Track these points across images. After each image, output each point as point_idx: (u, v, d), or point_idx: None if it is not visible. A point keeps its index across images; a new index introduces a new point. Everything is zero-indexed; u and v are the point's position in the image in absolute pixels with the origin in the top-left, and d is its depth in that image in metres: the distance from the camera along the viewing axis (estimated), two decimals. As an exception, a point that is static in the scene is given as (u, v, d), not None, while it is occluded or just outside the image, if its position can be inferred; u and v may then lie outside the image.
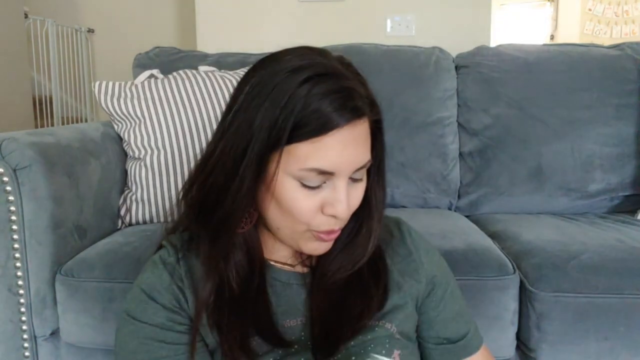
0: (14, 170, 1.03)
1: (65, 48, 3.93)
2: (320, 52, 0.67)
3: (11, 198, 1.02)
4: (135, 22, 4.08)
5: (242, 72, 1.45)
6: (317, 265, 0.70)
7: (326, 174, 0.60)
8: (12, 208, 1.03)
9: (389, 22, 2.25)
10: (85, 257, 1.10)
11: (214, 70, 1.48)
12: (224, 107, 1.42)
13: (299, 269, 0.71)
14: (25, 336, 1.09)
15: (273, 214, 0.64)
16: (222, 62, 1.64)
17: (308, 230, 0.64)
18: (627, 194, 1.50)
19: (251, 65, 0.67)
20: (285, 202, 0.61)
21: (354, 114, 0.59)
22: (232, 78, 1.43)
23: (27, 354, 1.11)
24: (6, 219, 1.03)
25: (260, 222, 0.68)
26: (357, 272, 0.69)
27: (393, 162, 1.51)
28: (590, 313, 1.03)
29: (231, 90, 1.36)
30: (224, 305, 0.64)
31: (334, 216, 0.62)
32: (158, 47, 1.74)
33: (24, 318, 1.07)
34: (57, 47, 3.84)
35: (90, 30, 4.22)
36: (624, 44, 1.65)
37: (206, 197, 0.64)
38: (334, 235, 0.66)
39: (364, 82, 0.64)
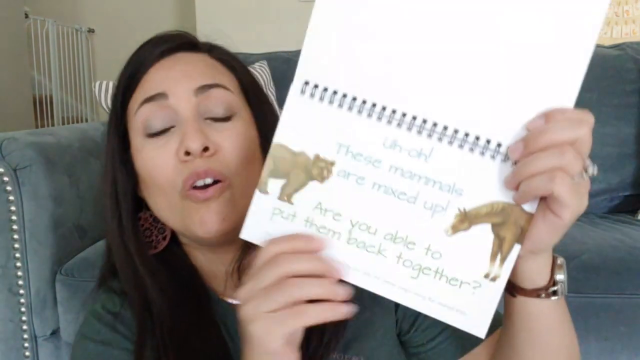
0: (14, 170, 1.03)
1: (65, 48, 3.93)
2: None
3: (11, 198, 1.02)
4: (135, 22, 4.08)
5: (242, 72, 1.46)
6: None
7: (157, 99, 0.53)
8: (13, 208, 1.03)
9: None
10: (85, 257, 1.10)
11: (214, 70, 1.48)
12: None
13: None
14: (25, 336, 1.09)
15: (148, 197, 0.56)
16: (222, 62, 1.64)
17: (182, 195, 0.52)
18: (627, 194, 1.50)
19: None
20: (144, 169, 0.54)
21: (177, 48, 0.57)
22: (232, 78, 1.43)
23: (27, 353, 1.11)
24: (6, 219, 1.03)
25: (186, 244, 0.59)
26: None
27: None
28: (590, 313, 1.03)
29: (231, 90, 1.37)
30: (167, 346, 0.53)
31: (187, 153, 0.51)
32: (158, 47, 1.74)
33: (24, 318, 1.07)
34: (57, 47, 3.84)
35: (90, 30, 4.23)
36: (624, 44, 1.65)
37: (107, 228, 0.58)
38: (209, 192, 0.52)
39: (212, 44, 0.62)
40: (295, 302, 0.40)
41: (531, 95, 0.39)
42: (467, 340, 0.58)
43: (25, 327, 1.08)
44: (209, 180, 0.53)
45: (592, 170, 0.39)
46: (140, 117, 0.54)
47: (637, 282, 1.04)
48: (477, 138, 0.40)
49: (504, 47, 0.39)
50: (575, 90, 0.39)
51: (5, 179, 1.02)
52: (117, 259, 0.57)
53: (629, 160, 1.49)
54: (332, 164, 0.44)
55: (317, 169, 0.44)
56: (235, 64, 0.62)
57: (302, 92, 0.45)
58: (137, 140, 0.55)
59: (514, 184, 0.39)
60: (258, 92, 0.62)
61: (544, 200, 0.39)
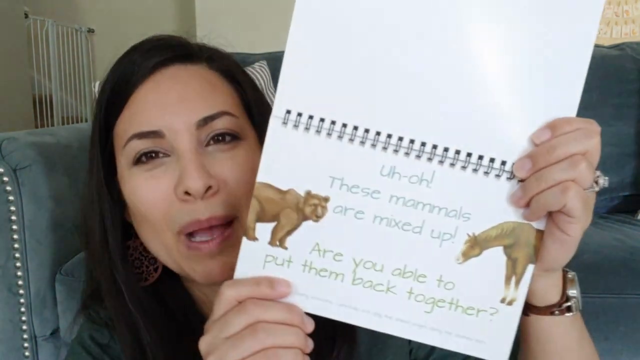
0: (14, 170, 1.03)
1: (65, 48, 3.93)
2: None
3: (11, 198, 1.02)
4: (135, 22, 4.08)
5: (242, 72, 1.46)
6: None
7: (151, 137, 0.47)
8: (12, 208, 1.03)
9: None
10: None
11: (214, 70, 1.48)
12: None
13: None
14: (25, 336, 1.09)
15: (138, 228, 0.50)
16: (222, 62, 1.64)
17: (177, 238, 0.47)
18: (627, 194, 1.50)
19: None
20: (133, 199, 0.48)
21: (169, 58, 0.49)
22: (232, 78, 1.43)
23: (27, 353, 1.11)
24: (6, 219, 1.03)
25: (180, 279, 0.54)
26: None
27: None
28: (590, 313, 1.03)
29: (231, 90, 1.36)
30: None
31: (187, 193, 0.46)
32: (158, 47, 1.74)
33: (24, 318, 1.07)
34: (57, 47, 3.84)
35: (90, 30, 4.23)
36: (624, 44, 1.65)
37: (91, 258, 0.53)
38: (213, 245, 0.47)
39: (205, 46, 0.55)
40: (266, 349, 0.37)
41: (531, 107, 0.38)
42: None
43: (24, 327, 1.08)
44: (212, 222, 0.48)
45: (603, 182, 0.38)
46: (130, 150, 0.48)
47: (637, 282, 1.04)
48: (480, 157, 0.38)
49: (499, 59, 0.38)
50: (576, 98, 0.38)
51: (5, 179, 1.02)
52: (105, 291, 0.52)
53: (629, 160, 1.49)
54: (327, 199, 0.40)
55: (310, 207, 0.40)
56: (238, 75, 0.55)
57: (284, 122, 0.39)
58: (124, 167, 0.49)
59: (525, 201, 0.38)
60: (263, 108, 0.54)
61: (551, 217, 0.38)
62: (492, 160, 0.38)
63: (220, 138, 0.49)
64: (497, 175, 0.38)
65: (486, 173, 0.38)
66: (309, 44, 0.39)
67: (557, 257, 0.39)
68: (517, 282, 0.40)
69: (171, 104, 0.48)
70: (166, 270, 0.53)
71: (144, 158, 0.48)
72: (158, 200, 0.47)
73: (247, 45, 2.01)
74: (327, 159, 0.39)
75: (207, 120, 0.48)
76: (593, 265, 1.04)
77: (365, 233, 0.40)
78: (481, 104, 0.38)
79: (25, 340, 1.09)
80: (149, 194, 0.47)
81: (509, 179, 0.38)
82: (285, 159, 0.40)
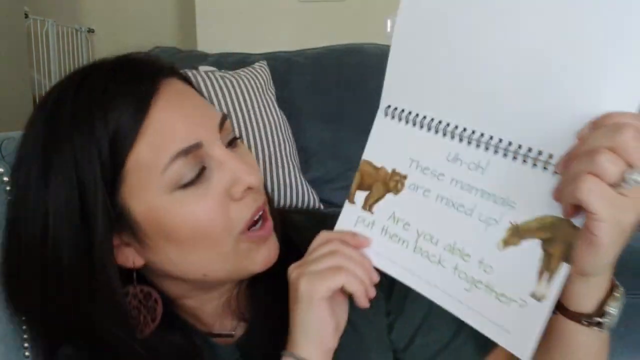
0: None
1: (65, 48, 3.93)
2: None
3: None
4: (135, 22, 4.08)
5: (242, 72, 1.46)
6: (250, 323, 0.56)
7: (192, 151, 0.46)
8: (12, 208, 1.02)
9: (389, 22, 2.25)
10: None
11: (214, 70, 1.48)
12: (224, 107, 1.42)
13: (239, 329, 0.57)
14: (25, 336, 1.09)
15: (182, 260, 0.49)
16: (222, 62, 1.64)
17: (237, 239, 0.49)
18: (627, 194, 1.50)
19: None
20: (182, 229, 0.46)
21: (156, 76, 0.48)
22: (232, 78, 1.43)
23: (27, 353, 1.11)
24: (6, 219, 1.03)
25: (169, 301, 0.53)
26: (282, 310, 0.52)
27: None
28: (590, 313, 1.03)
29: (231, 90, 1.36)
30: None
31: (249, 188, 0.48)
32: (158, 47, 1.74)
33: (24, 317, 1.07)
34: (57, 47, 3.84)
35: (90, 30, 4.23)
36: (624, 44, 1.65)
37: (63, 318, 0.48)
38: (269, 222, 0.52)
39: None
40: (336, 267, 0.45)
41: (584, 102, 0.37)
42: (464, 355, 0.55)
43: (25, 327, 1.08)
44: (260, 212, 0.51)
45: (636, 177, 0.33)
46: (172, 173, 0.46)
47: (637, 282, 1.03)
48: (530, 150, 0.40)
49: (554, 55, 0.38)
50: (636, 93, 0.36)
51: (5, 179, 1.02)
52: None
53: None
54: (405, 177, 0.48)
55: (393, 182, 0.48)
56: (195, 85, 0.55)
57: (386, 114, 0.49)
58: (158, 197, 0.46)
59: (558, 194, 0.37)
60: None
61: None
62: (539, 152, 0.40)
63: (231, 141, 0.51)
64: (544, 168, 0.39)
65: (534, 165, 0.40)
66: (407, 52, 0.47)
67: (587, 258, 0.37)
68: (550, 279, 0.39)
69: (195, 115, 0.48)
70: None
71: (191, 181, 0.47)
72: (216, 211, 0.47)
73: (247, 45, 2.01)
74: (409, 144, 0.47)
75: (222, 123, 0.50)
76: (593, 265, 1.04)
77: (429, 209, 0.46)
78: (535, 99, 0.39)
79: (25, 340, 1.09)
80: (206, 209, 0.47)
81: (555, 173, 0.39)
82: (382, 143, 0.49)
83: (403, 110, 0.48)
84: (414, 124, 0.47)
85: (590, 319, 0.42)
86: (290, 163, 1.40)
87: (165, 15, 4.09)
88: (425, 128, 0.46)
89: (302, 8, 2.25)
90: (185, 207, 0.46)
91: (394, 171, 0.48)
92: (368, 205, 0.50)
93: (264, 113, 1.39)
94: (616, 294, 0.43)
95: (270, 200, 0.55)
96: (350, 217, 0.50)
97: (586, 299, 0.41)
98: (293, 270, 0.47)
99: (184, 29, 4.10)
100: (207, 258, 0.49)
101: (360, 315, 0.52)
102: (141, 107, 0.45)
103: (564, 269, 0.39)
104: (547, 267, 0.39)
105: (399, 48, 0.48)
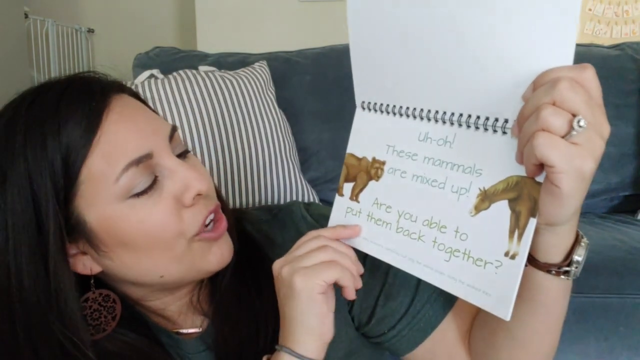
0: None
1: (65, 48, 3.93)
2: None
3: (11, 198, 1.02)
4: (135, 22, 4.08)
5: (242, 72, 1.46)
6: (214, 312, 0.58)
7: (143, 161, 0.48)
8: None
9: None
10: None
11: (214, 70, 1.48)
12: (224, 107, 1.42)
13: (204, 324, 0.60)
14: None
15: (138, 265, 0.51)
16: (222, 62, 1.64)
17: (192, 240, 0.52)
18: (627, 194, 1.51)
19: None
20: (136, 235, 0.49)
21: (107, 92, 0.50)
22: (232, 78, 1.43)
23: (27, 354, 1.10)
24: (6, 219, 1.03)
25: (132, 303, 0.55)
26: (247, 293, 0.57)
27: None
28: (590, 313, 1.03)
29: (231, 90, 1.36)
30: None
31: (199, 195, 0.51)
32: (158, 47, 1.74)
33: None
34: (57, 47, 3.84)
35: (90, 30, 4.23)
36: (624, 44, 1.65)
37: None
38: (223, 224, 0.54)
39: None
40: (329, 262, 0.48)
41: (526, 65, 0.39)
42: (426, 323, 0.59)
43: None
44: (211, 216, 0.54)
45: (577, 123, 0.35)
46: (125, 182, 0.48)
47: (637, 282, 1.04)
48: (487, 118, 0.42)
49: (490, 23, 0.40)
50: (568, 48, 0.37)
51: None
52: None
53: (629, 160, 1.49)
54: (384, 163, 0.50)
55: (374, 170, 0.51)
56: (144, 99, 0.58)
57: (363, 108, 0.53)
58: (111, 205, 0.48)
59: (520, 157, 0.39)
60: None
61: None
62: (496, 119, 0.42)
63: (181, 154, 0.54)
64: (504, 132, 0.41)
65: (494, 131, 0.42)
66: (364, 48, 0.50)
67: (552, 210, 0.39)
68: (520, 236, 0.41)
69: (146, 127, 0.51)
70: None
71: (140, 188, 0.49)
72: (168, 217, 0.49)
73: (247, 45, 2.01)
74: (385, 132, 0.51)
75: (172, 134, 0.53)
76: (593, 265, 1.04)
77: (406, 189, 0.48)
78: (483, 68, 0.41)
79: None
80: (158, 216, 0.49)
81: (512, 136, 0.41)
82: (361, 135, 0.53)
83: (375, 103, 0.51)
84: (388, 113, 0.50)
85: (559, 268, 0.44)
86: (290, 163, 1.40)
87: (165, 15, 4.09)
88: (397, 115, 0.49)
89: (302, 8, 2.25)
90: (138, 214, 0.48)
91: (374, 159, 0.51)
92: (354, 195, 0.53)
93: (264, 113, 1.39)
94: (582, 243, 0.44)
95: (223, 202, 0.58)
96: (340, 208, 0.54)
97: (554, 249, 0.43)
98: (282, 267, 0.49)
99: (184, 29, 4.10)
100: (161, 261, 0.51)
101: None
102: (93, 121, 0.48)
103: (531, 224, 0.40)
104: (517, 224, 0.41)
105: (356, 46, 0.51)
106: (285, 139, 1.42)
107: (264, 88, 1.45)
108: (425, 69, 0.45)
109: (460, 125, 0.44)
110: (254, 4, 2.27)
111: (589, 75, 0.36)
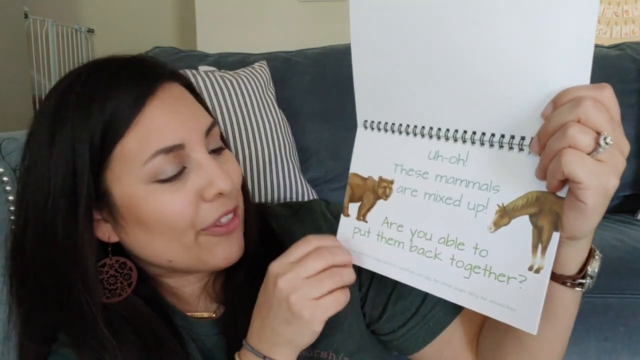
0: (14, 170, 1.03)
1: (65, 48, 3.93)
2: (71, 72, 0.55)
3: (11, 198, 1.02)
4: (135, 22, 4.08)
5: (242, 72, 1.46)
6: (229, 301, 0.60)
7: (174, 150, 0.51)
8: (12, 208, 1.02)
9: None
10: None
11: (214, 70, 1.48)
12: (224, 107, 1.42)
13: (218, 311, 0.61)
14: (25, 336, 1.09)
15: (148, 245, 0.53)
16: (222, 62, 1.64)
17: (200, 233, 0.53)
18: (627, 194, 1.51)
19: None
20: (152, 217, 0.51)
21: (157, 78, 0.52)
22: (232, 78, 1.43)
23: (27, 354, 1.10)
24: (6, 219, 1.03)
25: (149, 277, 0.58)
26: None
27: (393, 162, 1.52)
28: (590, 313, 1.03)
29: (231, 90, 1.36)
30: None
31: (220, 194, 0.52)
32: (158, 47, 1.74)
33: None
34: (57, 47, 3.84)
35: (90, 30, 4.23)
36: (624, 44, 1.65)
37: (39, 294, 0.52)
38: (236, 223, 0.55)
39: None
40: (335, 291, 0.48)
41: (544, 84, 0.39)
42: (436, 324, 0.60)
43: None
44: (229, 216, 0.55)
45: (604, 140, 0.37)
46: (152, 167, 0.50)
47: (637, 282, 1.04)
48: (503, 136, 0.42)
49: (507, 44, 0.40)
50: (586, 69, 0.38)
51: (5, 178, 1.02)
52: (72, 314, 0.53)
53: (629, 160, 1.48)
54: (392, 182, 0.50)
55: (382, 189, 0.51)
56: (195, 88, 0.60)
57: (365, 127, 0.53)
58: (137, 185, 0.51)
59: (542, 173, 0.40)
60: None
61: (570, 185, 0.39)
62: (512, 137, 0.42)
63: (216, 150, 0.56)
64: (521, 149, 0.42)
65: (510, 148, 0.42)
66: (367, 71, 0.50)
67: (576, 224, 0.40)
68: (544, 250, 0.41)
69: (184, 119, 0.52)
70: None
71: (169, 178, 0.51)
72: (186, 208, 0.51)
73: (247, 45, 2.01)
74: (391, 151, 0.50)
75: (209, 130, 0.54)
76: (593, 265, 1.04)
77: (418, 207, 0.48)
78: (500, 86, 0.41)
79: (25, 340, 1.09)
80: (178, 204, 0.51)
81: (530, 152, 0.41)
82: (365, 154, 0.53)
83: (380, 122, 0.51)
84: (393, 132, 0.50)
85: (573, 280, 0.45)
86: (290, 163, 1.40)
87: (165, 16, 4.09)
88: (403, 134, 0.49)
89: (302, 8, 2.25)
90: (158, 199, 0.51)
91: (380, 178, 0.51)
92: (361, 215, 0.52)
93: (264, 113, 1.39)
94: (596, 257, 0.45)
95: (248, 198, 0.60)
96: (347, 229, 0.53)
97: (570, 262, 0.44)
98: (286, 286, 0.48)
99: (184, 29, 4.10)
100: (170, 247, 0.53)
101: None
102: (137, 103, 0.50)
103: (555, 238, 0.41)
104: (540, 239, 0.41)
105: (360, 65, 0.51)
106: (285, 139, 1.42)
107: (264, 88, 1.45)
108: (435, 88, 0.45)
109: (473, 142, 0.44)
110: (254, 4, 2.27)
111: (608, 94, 0.37)
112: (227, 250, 0.55)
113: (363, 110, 0.53)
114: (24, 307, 0.55)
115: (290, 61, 1.59)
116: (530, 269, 0.41)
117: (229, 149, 0.60)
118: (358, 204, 0.52)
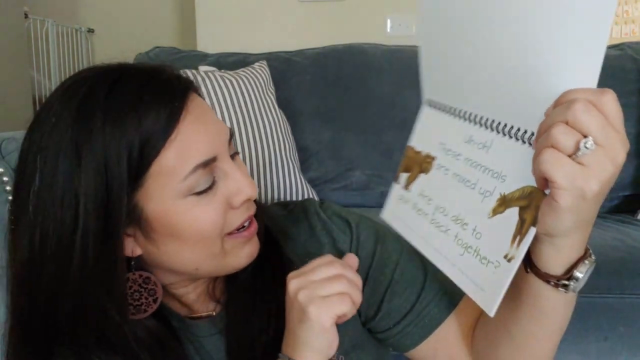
0: (14, 170, 1.03)
1: (65, 48, 3.93)
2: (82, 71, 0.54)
3: (11, 198, 1.02)
4: (135, 22, 4.08)
5: (242, 72, 1.46)
6: (228, 300, 0.61)
7: (210, 163, 0.51)
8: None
9: (389, 22, 2.25)
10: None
11: (214, 70, 1.48)
12: (224, 107, 1.42)
13: (217, 311, 0.62)
14: (25, 336, 1.09)
15: (179, 255, 0.53)
16: (222, 62, 1.64)
17: (225, 239, 0.54)
18: (627, 194, 1.51)
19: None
20: (187, 229, 0.51)
21: (185, 91, 0.52)
22: (232, 78, 1.43)
23: (27, 354, 1.10)
24: (6, 219, 1.03)
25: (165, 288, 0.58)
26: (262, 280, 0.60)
27: (393, 161, 1.52)
28: (590, 313, 1.03)
29: (231, 90, 1.36)
30: None
31: (247, 200, 0.54)
32: (158, 47, 1.74)
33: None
34: (57, 47, 3.84)
35: (90, 30, 4.23)
36: (624, 44, 1.65)
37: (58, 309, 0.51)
38: (254, 225, 0.57)
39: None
40: (342, 294, 0.51)
41: (554, 82, 0.40)
42: (431, 320, 0.61)
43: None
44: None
45: (584, 144, 0.37)
46: (191, 181, 0.50)
47: (637, 282, 1.04)
48: (518, 129, 0.44)
49: (529, 39, 0.41)
50: (594, 73, 0.38)
51: (5, 178, 1.02)
52: (88, 331, 0.52)
53: (629, 160, 1.49)
54: (434, 159, 0.54)
55: (426, 164, 0.55)
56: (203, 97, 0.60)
57: (429, 105, 0.57)
58: (171, 200, 0.51)
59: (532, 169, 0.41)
60: None
61: None
62: (525, 131, 0.44)
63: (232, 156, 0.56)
64: (529, 144, 0.43)
65: (522, 142, 0.44)
66: (432, 51, 0.54)
67: (548, 221, 0.40)
68: (520, 242, 0.43)
69: (214, 131, 0.53)
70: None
71: (204, 190, 0.52)
72: (218, 217, 0.52)
73: (247, 45, 2.01)
74: (440, 129, 0.54)
75: (230, 139, 0.56)
76: (593, 265, 1.04)
77: (446, 185, 0.51)
78: (521, 80, 0.43)
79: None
80: (210, 214, 0.52)
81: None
82: (423, 130, 0.57)
83: (439, 102, 0.55)
84: (447, 113, 0.53)
85: (558, 281, 0.45)
86: (290, 163, 1.40)
87: (165, 16, 4.09)
88: (453, 116, 0.53)
89: (302, 8, 2.25)
90: (194, 212, 0.51)
91: (427, 154, 0.55)
92: (407, 185, 0.57)
93: (264, 113, 1.39)
94: (586, 261, 0.46)
95: (259, 204, 0.61)
96: (395, 195, 0.59)
97: (555, 262, 0.44)
98: (298, 289, 0.51)
99: (184, 29, 4.10)
100: (200, 255, 0.54)
101: None
102: (172, 119, 0.50)
103: (531, 232, 0.42)
104: (519, 231, 0.43)
105: (427, 46, 0.55)
106: (285, 139, 1.42)
107: (264, 88, 1.45)
108: (478, 75, 0.48)
109: (498, 132, 0.46)
110: (254, 4, 2.27)
111: (607, 99, 0.38)
112: (248, 252, 0.57)
113: (429, 88, 0.57)
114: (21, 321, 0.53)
115: (290, 61, 1.59)
116: (505, 257, 0.43)
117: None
118: (407, 174, 0.57)
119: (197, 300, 0.61)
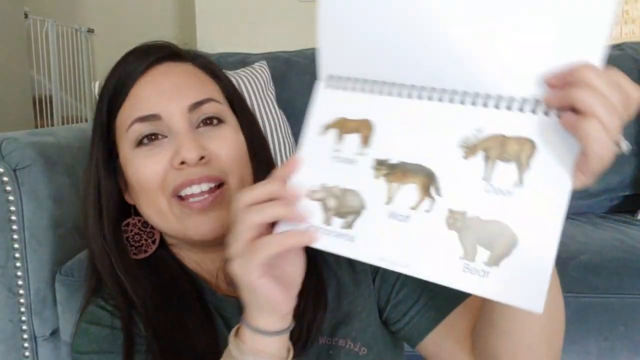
0: (14, 170, 1.03)
1: (65, 48, 3.93)
2: None
3: (11, 198, 1.02)
4: (135, 22, 4.08)
5: (242, 72, 1.46)
6: None
7: (150, 119, 0.56)
8: (12, 208, 1.03)
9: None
10: (85, 257, 1.10)
11: (214, 70, 1.48)
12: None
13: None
14: (25, 336, 1.09)
15: (139, 204, 0.59)
16: (222, 62, 1.64)
17: (170, 201, 0.56)
18: (627, 194, 1.51)
19: None
20: (134, 180, 0.57)
21: (160, 58, 0.59)
22: (232, 78, 1.43)
23: (27, 354, 1.11)
24: (6, 219, 1.03)
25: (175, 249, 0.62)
26: None
27: (393, 162, 1.52)
28: (590, 313, 1.03)
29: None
30: (154, 346, 0.55)
31: (184, 162, 0.55)
32: (158, 47, 1.73)
33: (24, 318, 1.07)
34: (57, 47, 3.84)
35: (90, 30, 4.23)
36: (624, 44, 1.65)
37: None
38: (207, 201, 0.55)
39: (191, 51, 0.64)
40: (259, 229, 0.42)
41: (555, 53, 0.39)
42: (437, 312, 0.60)
43: (24, 327, 1.08)
44: (204, 187, 0.56)
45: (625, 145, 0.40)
46: (132, 133, 0.57)
47: (637, 282, 1.04)
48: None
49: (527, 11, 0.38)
50: (599, 42, 0.38)
51: (5, 179, 1.02)
52: (100, 266, 0.60)
53: (629, 160, 1.49)
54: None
55: None
56: (219, 72, 0.66)
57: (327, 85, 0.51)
58: (127, 150, 0.58)
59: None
60: (241, 100, 0.66)
61: None
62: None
63: (208, 121, 0.58)
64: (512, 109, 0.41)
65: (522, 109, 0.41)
66: (335, 20, 0.44)
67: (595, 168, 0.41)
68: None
69: (166, 92, 0.57)
70: (161, 244, 0.62)
71: (146, 140, 0.57)
72: (157, 171, 0.56)
73: (247, 45, 2.01)
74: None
75: (197, 105, 0.57)
76: (593, 265, 1.04)
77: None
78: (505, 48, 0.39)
79: (25, 340, 1.09)
80: (149, 168, 0.56)
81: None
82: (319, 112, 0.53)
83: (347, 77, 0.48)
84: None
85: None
86: (290, 163, 1.40)
87: (165, 16, 4.09)
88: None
89: (302, 8, 2.25)
90: (138, 162, 0.57)
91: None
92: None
93: (264, 113, 1.39)
94: None
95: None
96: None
97: None
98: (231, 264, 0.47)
99: (184, 29, 4.09)
100: (153, 211, 0.58)
101: (351, 277, 0.61)
102: (130, 80, 0.58)
103: None
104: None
105: (331, 15, 0.45)
106: (285, 139, 1.42)
107: (264, 88, 1.45)
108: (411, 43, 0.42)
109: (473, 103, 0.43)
110: (253, 4, 2.27)
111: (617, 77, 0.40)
112: (198, 224, 0.56)
113: (328, 62, 0.48)
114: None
115: (290, 61, 1.59)
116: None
117: (246, 127, 0.62)
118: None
119: (213, 275, 0.62)
